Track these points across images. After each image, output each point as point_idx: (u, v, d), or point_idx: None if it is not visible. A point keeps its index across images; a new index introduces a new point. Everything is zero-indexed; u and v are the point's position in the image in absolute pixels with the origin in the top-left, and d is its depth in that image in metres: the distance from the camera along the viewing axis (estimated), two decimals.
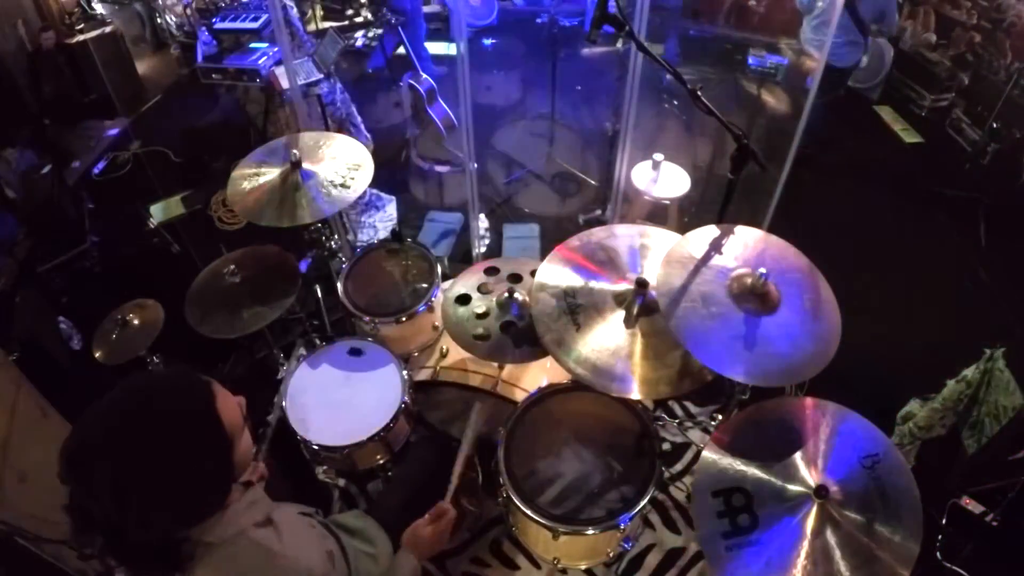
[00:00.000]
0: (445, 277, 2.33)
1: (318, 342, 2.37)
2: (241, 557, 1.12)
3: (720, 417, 2.62)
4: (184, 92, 5.41)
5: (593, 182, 4.34)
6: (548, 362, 2.17)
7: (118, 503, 0.99)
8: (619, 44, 5.51)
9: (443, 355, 2.30)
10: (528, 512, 1.73)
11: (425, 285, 2.29)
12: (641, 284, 1.75)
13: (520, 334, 1.99)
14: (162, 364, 2.43)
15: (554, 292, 1.81)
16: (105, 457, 0.99)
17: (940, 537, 2.42)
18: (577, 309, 1.77)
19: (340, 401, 1.99)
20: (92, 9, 5.00)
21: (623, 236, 1.95)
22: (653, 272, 1.77)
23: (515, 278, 2.18)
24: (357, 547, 1.56)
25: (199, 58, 4.35)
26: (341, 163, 2.30)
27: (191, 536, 1.08)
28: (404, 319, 2.20)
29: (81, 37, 4.83)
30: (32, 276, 3.73)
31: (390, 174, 4.35)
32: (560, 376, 2.07)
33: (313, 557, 1.27)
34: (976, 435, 2.48)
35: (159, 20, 5.77)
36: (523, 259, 2.29)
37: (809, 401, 1.65)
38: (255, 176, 2.27)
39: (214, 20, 4.32)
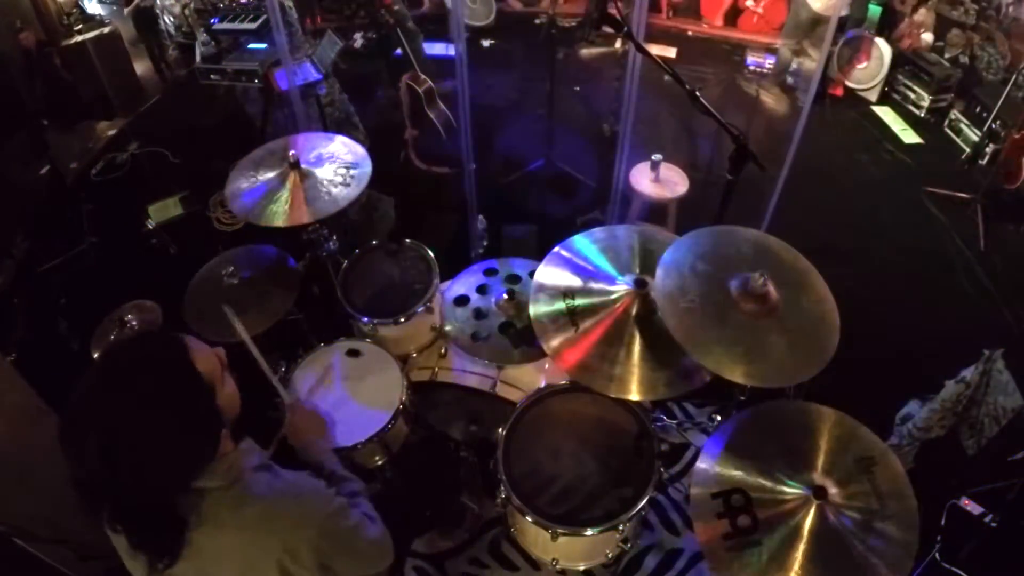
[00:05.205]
0: (443, 278, 2.33)
1: (316, 343, 2.36)
2: (252, 488, 1.15)
3: (719, 418, 2.62)
4: (182, 93, 5.40)
5: (592, 183, 4.34)
6: (546, 363, 2.17)
7: (110, 466, 1.01)
8: (617, 45, 5.53)
9: (441, 356, 2.29)
10: (527, 513, 1.73)
11: (424, 286, 2.29)
12: (640, 284, 1.75)
13: (519, 335, 1.99)
14: None
15: (553, 293, 1.81)
16: (90, 424, 1.02)
17: (939, 538, 2.42)
18: (576, 310, 1.77)
19: (338, 402, 1.98)
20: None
21: (623, 236, 1.95)
22: (652, 272, 1.77)
23: (513, 279, 2.18)
24: None
25: (197, 59, 4.34)
26: (340, 163, 2.29)
27: (195, 487, 1.11)
28: (403, 320, 2.19)
29: (79, 38, 4.82)
30: (31, 277, 3.72)
31: (389, 175, 4.35)
32: (558, 377, 2.07)
33: (315, 482, 1.29)
34: (975, 436, 2.48)
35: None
36: (522, 259, 2.28)
37: (807, 404, 1.65)
38: (253, 177, 2.27)
39: (212, 21, 4.30)
